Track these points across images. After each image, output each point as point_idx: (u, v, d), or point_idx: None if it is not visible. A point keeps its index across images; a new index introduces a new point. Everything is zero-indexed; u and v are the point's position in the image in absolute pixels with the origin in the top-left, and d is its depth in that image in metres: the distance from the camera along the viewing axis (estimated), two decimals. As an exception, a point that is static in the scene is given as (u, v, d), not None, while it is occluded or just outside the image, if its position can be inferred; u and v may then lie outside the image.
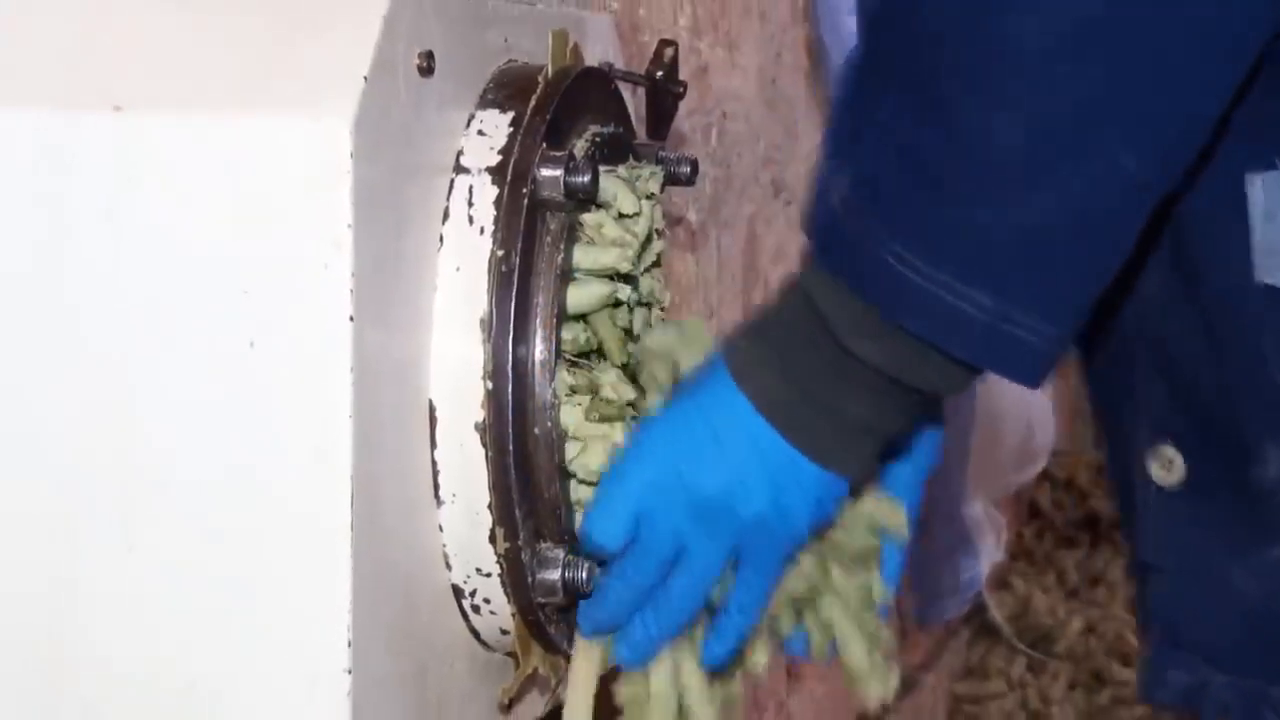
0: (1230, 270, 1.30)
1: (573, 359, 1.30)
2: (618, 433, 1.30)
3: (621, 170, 1.35)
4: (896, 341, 1.23)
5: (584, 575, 1.29)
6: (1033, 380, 1.24)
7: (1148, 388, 1.37)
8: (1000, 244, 1.21)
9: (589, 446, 1.30)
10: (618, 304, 1.33)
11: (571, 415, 1.29)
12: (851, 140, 1.24)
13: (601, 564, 1.28)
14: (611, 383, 1.31)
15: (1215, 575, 1.35)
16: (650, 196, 1.36)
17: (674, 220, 1.44)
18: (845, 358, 1.24)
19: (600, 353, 1.33)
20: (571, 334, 1.29)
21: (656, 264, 1.40)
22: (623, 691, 1.29)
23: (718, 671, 1.31)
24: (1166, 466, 1.36)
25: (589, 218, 1.32)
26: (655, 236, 1.38)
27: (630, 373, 1.34)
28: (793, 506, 1.27)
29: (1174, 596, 1.39)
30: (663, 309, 1.42)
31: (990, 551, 2.84)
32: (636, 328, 1.38)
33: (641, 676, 1.29)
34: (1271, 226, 1.28)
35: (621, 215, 1.33)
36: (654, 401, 1.32)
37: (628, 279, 1.34)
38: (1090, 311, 1.23)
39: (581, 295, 1.30)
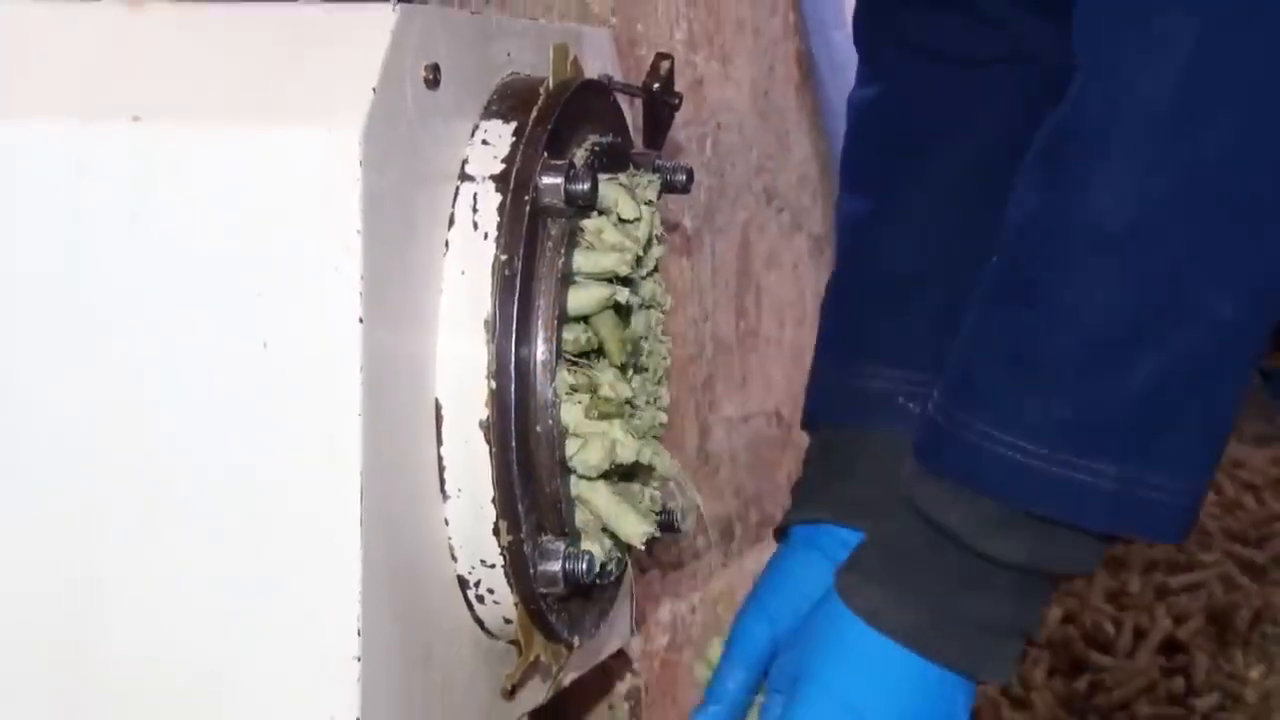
0: None
1: (573, 359, 1.30)
2: (616, 429, 1.30)
3: (622, 178, 1.35)
4: (1028, 530, 1.23)
5: (584, 567, 1.29)
6: (1177, 536, 1.23)
7: None
8: (1113, 414, 1.21)
9: (589, 443, 1.30)
10: (619, 306, 1.33)
11: (572, 413, 1.29)
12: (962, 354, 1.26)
13: None
14: (610, 381, 1.31)
15: None
16: (649, 203, 1.36)
17: (670, 227, 1.44)
18: (978, 564, 1.25)
19: (600, 352, 1.33)
20: (573, 334, 1.29)
21: (655, 269, 1.40)
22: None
23: None
24: None
25: (589, 223, 1.32)
26: (655, 241, 1.38)
27: (629, 371, 1.35)
28: None
29: None
30: (664, 311, 1.42)
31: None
32: (640, 330, 1.38)
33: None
34: None
35: (622, 220, 1.33)
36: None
37: (627, 282, 1.34)
38: (1220, 456, 1.24)
39: (582, 298, 1.30)
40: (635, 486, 1.37)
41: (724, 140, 2.17)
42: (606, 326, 1.32)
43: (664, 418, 1.40)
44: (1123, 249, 1.19)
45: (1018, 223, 1.24)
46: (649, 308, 1.39)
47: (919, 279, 1.51)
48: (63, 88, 1.21)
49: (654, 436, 1.39)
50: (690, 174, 1.43)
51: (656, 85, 1.46)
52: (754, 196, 2.28)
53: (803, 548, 1.48)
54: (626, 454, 1.31)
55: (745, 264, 2.25)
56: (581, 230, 1.31)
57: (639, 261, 1.35)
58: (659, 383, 1.40)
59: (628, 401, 1.32)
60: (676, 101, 1.47)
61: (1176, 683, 3.15)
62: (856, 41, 1.59)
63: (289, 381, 1.16)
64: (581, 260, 1.30)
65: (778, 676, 1.39)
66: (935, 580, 1.26)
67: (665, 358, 1.41)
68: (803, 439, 2.35)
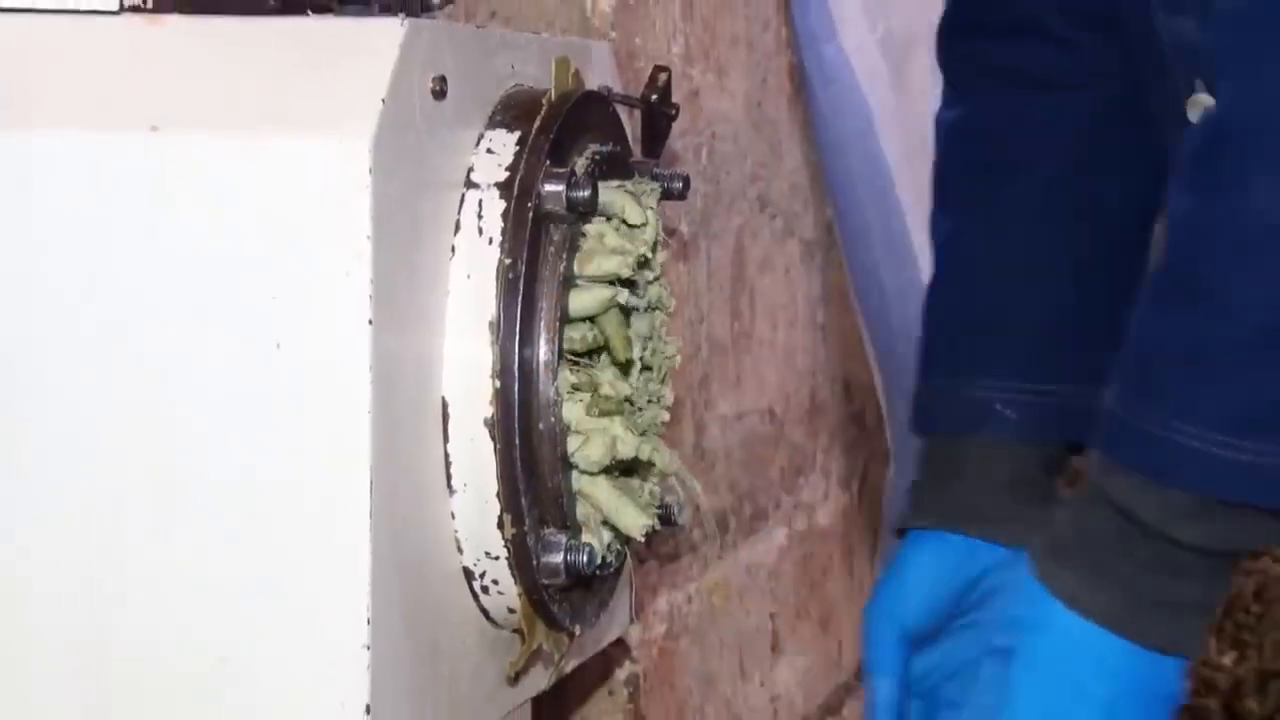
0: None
1: (575, 358, 1.30)
2: (617, 426, 1.30)
3: (629, 185, 1.35)
4: (1217, 516, 1.24)
5: (584, 558, 1.29)
6: None
7: None
8: None
9: (590, 439, 1.30)
10: (622, 307, 1.33)
11: (573, 411, 1.29)
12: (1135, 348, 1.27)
13: None
14: (609, 380, 1.31)
15: None
16: (652, 209, 1.36)
17: (667, 232, 1.44)
18: (1170, 549, 1.26)
19: (602, 351, 1.33)
20: (577, 334, 1.29)
21: (660, 273, 1.40)
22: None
23: None
24: None
25: (591, 228, 1.32)
26: (660, 246, 1.38)
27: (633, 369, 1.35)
28: (1155, 698, 1.30)
29: None
30: (668, 314, 1.42)
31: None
32: (645, 331, 1.38)
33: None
34: None
35: (629, 225, 1.33)
36: None
37: (630, 284, 1.34)
38: None
39: (585, 300, 1.30)
40: (635, 481, 1.37)
41: (719, 149, 2.17)
42: (612, 325, 1.32)
43: (665, 416, 1.40)
44: None
45: (1177, 225, 1.27)
46: (655, 309, 1.39)
47: (1010, 292, 1.54)
48: (82, 98, 1.21)
49: (655, 434, 1.39)
50: (687, 181, 1.43)
51: (654, 96, 1.46)
52: (748, 203, 2.28)
53: (916, 549, 1.51)
54: (626, 450, 1.30)
55: (740, 268, 2.25)
56: (584, 235, 1.31)
57: (646, 264, 1.36)
58: (662, 381, 1.40)
59: (628, 399, 1.32)
60: (674, 112, 1.47)
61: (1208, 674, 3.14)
62: (940, 64, 1.62)
63: (301, 381, 1.16)
64: (584, 263, 1.30)
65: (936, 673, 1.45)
66: (1129, 566, 1.27)
67: (670, 357, 1.41)
68: (794, 435, 2.35)
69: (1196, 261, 1.24)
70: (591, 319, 1.31)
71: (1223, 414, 1.22)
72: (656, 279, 1.39)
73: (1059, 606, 1.29)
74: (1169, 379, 1.25)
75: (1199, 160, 1.26)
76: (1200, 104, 1.30)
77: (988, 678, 1.36)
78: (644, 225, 1.34)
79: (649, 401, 1.38)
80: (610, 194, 1.32)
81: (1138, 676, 1.28)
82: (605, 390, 1.30)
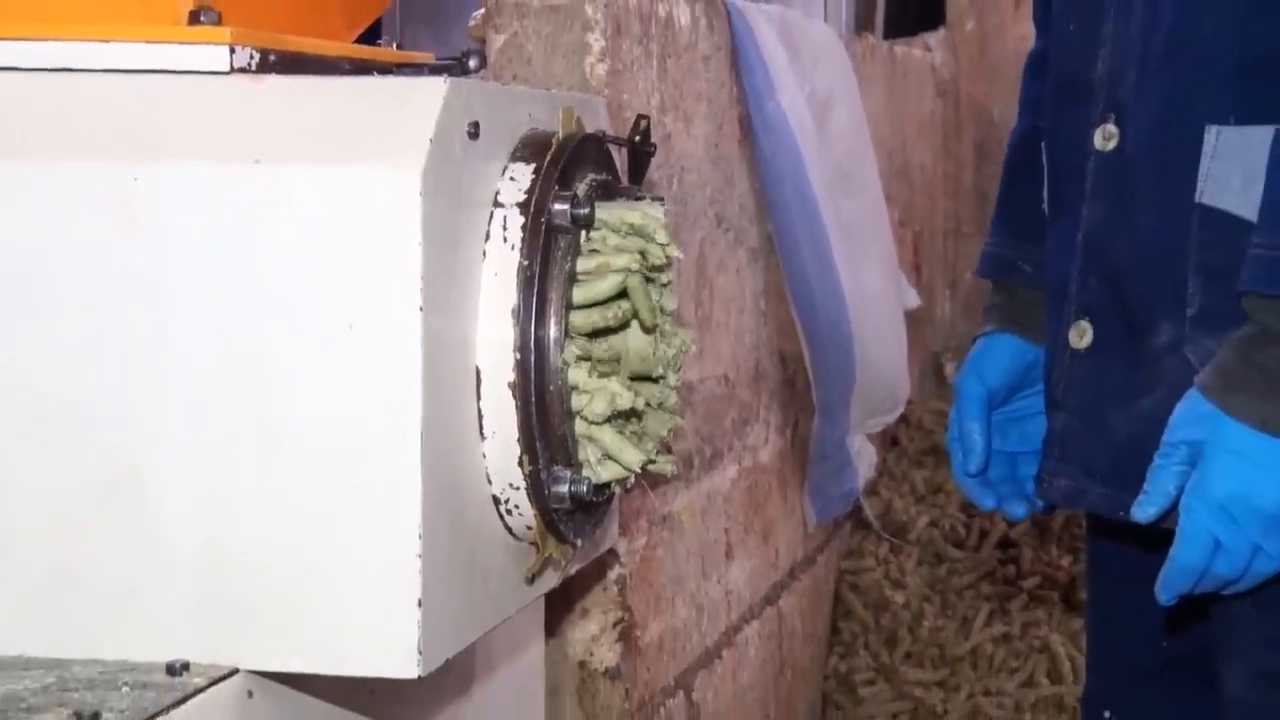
0: (1176, 188, 1.26)
1: (587, 335, 1.29)
2: (614, 384, 1.29)
3: (643, 203, 1.34)
4: None
5: (584, 489, 1.29)
6: None
7: (1080, 278, 1.35)
8: None
9: (595, 396, 1.29)
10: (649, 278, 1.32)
11: (578, 375, 1.28)
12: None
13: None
14: (619, 389, 1.29)
15: (1099, 416, 1.32)
16: (658, 217, 1.35)
17: (648, 239, 1.44)
18: None
19: (607, 333, 1.31)
20: (587, 318, 1.28)
21: (668, 283, 1.39)
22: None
23: None
24: (1080, 335, 1.33)
25: (596, 234, 1.31)
26: (670, 264, 1.37)
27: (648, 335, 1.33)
28: None
29: (1068, 427, 1.36)
30: (668, 314, 1.40)
31: (865, 470, 2.83)
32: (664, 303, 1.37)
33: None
34: (1215, 165, 1.24)
35: (633, 228, 1.32)
36: None
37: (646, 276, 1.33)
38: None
39: (600, 287, 1.29)
40: (633, 424, 1.36)
41: (686, 179, 2.16)
42: (638, 297, 1.30)
43: (672, 423, 1.38)
44: None
45: None
46: (664, 311, 1.38)
47: (1034, 180, 1.52)
48: (203, 138, 1.19)
49: (663, 440, 1.37)
50: (662, 202, 1.41)
51: (637, 138, 1.45)
52: (708, 220, 2.28)
53: (991, 342, 1.52)
54: (624, 402, 1.29)
55: (702, 269, 2.24)
56: (590, 240, 1.30)
57: (660, 269, 1.34)
58: (676, 369, 1.37)
59: (616, 359, 1.30)
60: (652, 150, 1.47)
61: (1009, 569, 3.14)
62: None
63: (368, 353, 1.15)
64: (586, 262, 1.30)
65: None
66: None
67: (680, 349, 1.38)
68: (742, 394, 2.33)
69: None
70: (602, 303, 1.29)
71: None
72: (667, 285, 1.38)
73: (1231, 421, 1.20)
74: None
75: None
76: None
77: (1169, 465, 1.26)
78: (643, 226, 1.32)
79: (658, 406, 1.36)
80: (618, 207, 1.32)
81: None
82: (599, 354, 1.29)
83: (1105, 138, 1.32)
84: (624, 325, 1.31)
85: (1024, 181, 1.53)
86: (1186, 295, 1.25)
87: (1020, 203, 1.54)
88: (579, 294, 1.29)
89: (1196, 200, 1.24)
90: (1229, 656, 1.29)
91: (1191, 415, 1.23)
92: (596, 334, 1.30)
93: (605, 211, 1.31)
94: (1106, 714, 1.48)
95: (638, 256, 1.31)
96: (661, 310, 1.37)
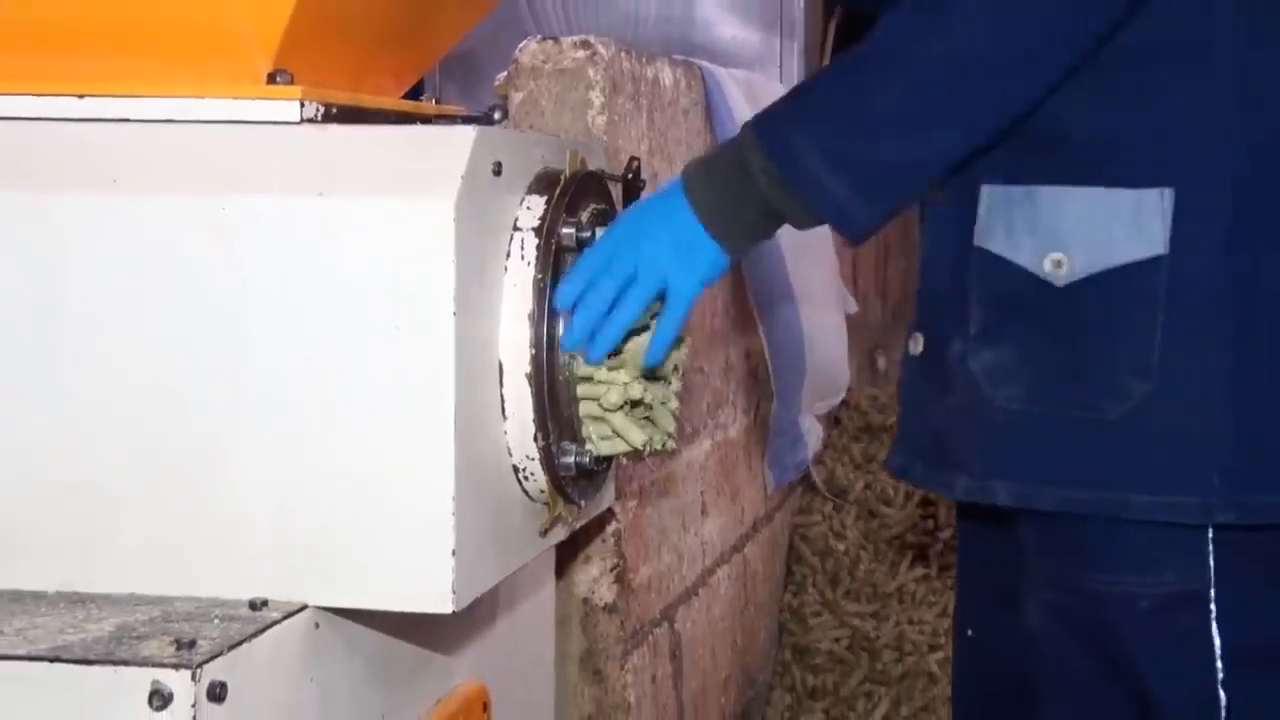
0: (961, 239, 1.27)
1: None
2: (624, 376, 1.28)
3: None
4: (786, 191, 1.21)
5: (587, 460, 1.28)
6: (856, 239, 1.23)
7: (917, 301, 1.34)
8: (868, 164, 1.19)
9: (610, 389, 1.27)
10: None
11: (598, 371, 1.27)
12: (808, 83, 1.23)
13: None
14: (627, 380, 1.27)
15: (923, 409, 1.32)
16: None
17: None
18: (755, 190, 1.22)
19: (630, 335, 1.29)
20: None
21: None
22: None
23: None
24: (915, 344, 1.33)
25: None
26: None
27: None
28: (700, 263, 1.24)
29: (905, 416, 1.36)
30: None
31: (814, 444, 2.82)
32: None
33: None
34: (987, 216, 1.25)
35: None
36: None
37: None
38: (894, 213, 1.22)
39: None
40: (640, 409, 1.34)
41: (670, 209, 2.14)
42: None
43: (674, 424, 1.35)
44: (921, 88, 1.18)
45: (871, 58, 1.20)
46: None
47: None
48: (276, 176, 1.18)
49: (670, 435, 1.34)
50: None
51: (630, 175, 1.44)
52: (687, 242, 2.26)
53: None
54: (635, 392, 1.28)
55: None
56: None
57: None
58: (679, 373, 1.35)
59: (641, 400, 1.28)
60: (642, 185, 1.46)
61: (928, 524, 3.14)
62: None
63: (411, 350, 1.14)
64: None
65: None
66: (730, 186, 1.23)
67: (684, 354, 1.35)
68: (715, 383, 2.31)
69: (872, 80, 1.19)
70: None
71: (829, 147, 1.18)
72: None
73: (681, 194, 1.24)
74: (822, 113, 1.20)
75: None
76: None
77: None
78: None
79: (660, 403, 1.33)
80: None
81: (696, 240, 1.23)
82: (625, 379, 1.27)
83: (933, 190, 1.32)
84: (644, 329, 1.29)
85: None
86: (970, 318, 1.25)
87: None
88: None
89: (975, 244, 1.25)
90: (1026, 594, 1.30)
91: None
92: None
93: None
94: (969, 632, 1.49)
95: None
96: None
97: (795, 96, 1.23)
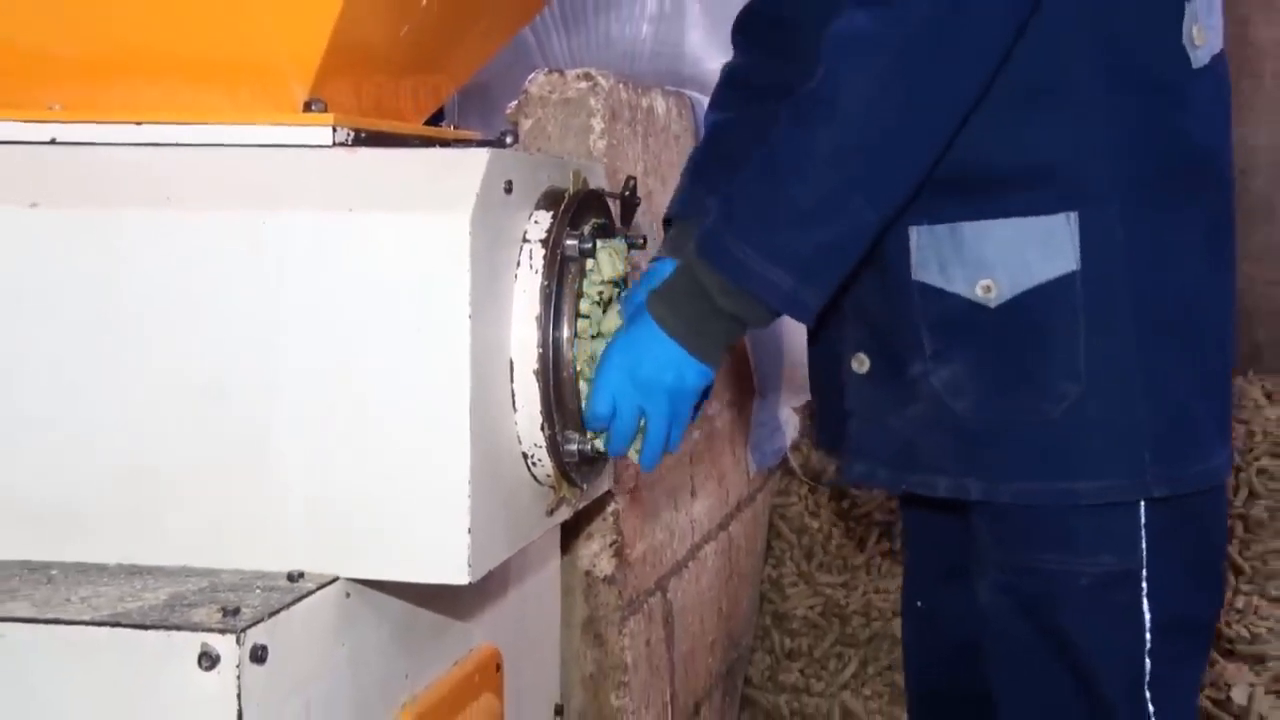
0: (902, 272, 1.26)
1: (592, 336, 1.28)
2: None
3: (611, 244, 1.32)
4: (740, 297, 1.20)
5: (589, 449, 1.28)
6: (810, 321, 1.22)
7: (854, 326, 1.33)
8: (803, 253, 1.18)
9: None
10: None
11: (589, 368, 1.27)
12: (727, 188, 1.22)
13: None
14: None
15: (882, 420, 1.32)
16: (622, 254, 1.33)
17: (634, 266, 1.43)
18: (714, 306, 1.22)
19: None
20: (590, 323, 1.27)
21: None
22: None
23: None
24: (860, 364, 1.32)
25: (599, 253, 1.29)
26: (628, 279, 1.35)
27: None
28: (687, 380, 1.25)
29: (859, 429, 1.34)
30: None
31: (791, 433, 2.82)
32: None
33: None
34: (919, 254, 1.25)
35: (615, 260, 1.31)
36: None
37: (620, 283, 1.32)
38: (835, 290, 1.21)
39: (606, 270, 1.29)
40: None
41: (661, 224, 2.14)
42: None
43: None
44: (829, 167, 1.15)
45: (776, 140, 1.19)
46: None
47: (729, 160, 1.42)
48: (309, 193, 1.18)
49: None
50: (645, 240, 1.40)
51: (627, 193, 1.44)
52: (678, 253, 2.26)
53: (659, 264, 1.39)
54: None
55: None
56: (597, 264, 1.29)
57: (621, 285, 1.33)
58: None
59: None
60: (638, 202, 1.46)
61: (893, 502, 3.14)
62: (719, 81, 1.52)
63: (431, 350, 1.14)
64: (591, 280, 1.28)
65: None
66: (693, 307, 1.23)
67: None
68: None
69: (779, 163, 1.17)
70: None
71: (766, 246, 1.17)
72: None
73: (651, 322, 1.24)
74: (745, 216, 1.18)
75: (794, 104, 1.18)
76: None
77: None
78: (618, 262, 1.31)
79: None
80: (606, 248, 1.30)
81: (679, 361, 1.23)
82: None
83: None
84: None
85: (715, 161, 1.44)
86: (923, 343, 1.25)
87: (712, 177, 1.43)
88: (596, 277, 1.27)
89: (913, 278, 1.25)
90: (976, 575, 1.30)
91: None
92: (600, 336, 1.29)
93: (603, 250, 1.30)
94: (918, 603, 1.49)
95: (624, 271, 1.30)
96: None
97: (723, 213, 1.21)
